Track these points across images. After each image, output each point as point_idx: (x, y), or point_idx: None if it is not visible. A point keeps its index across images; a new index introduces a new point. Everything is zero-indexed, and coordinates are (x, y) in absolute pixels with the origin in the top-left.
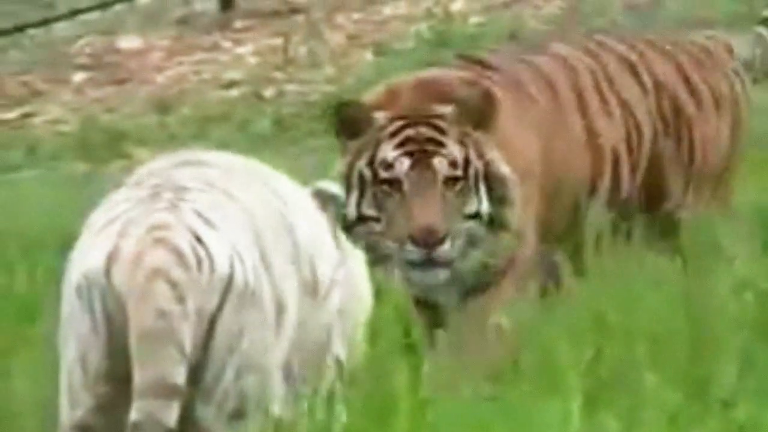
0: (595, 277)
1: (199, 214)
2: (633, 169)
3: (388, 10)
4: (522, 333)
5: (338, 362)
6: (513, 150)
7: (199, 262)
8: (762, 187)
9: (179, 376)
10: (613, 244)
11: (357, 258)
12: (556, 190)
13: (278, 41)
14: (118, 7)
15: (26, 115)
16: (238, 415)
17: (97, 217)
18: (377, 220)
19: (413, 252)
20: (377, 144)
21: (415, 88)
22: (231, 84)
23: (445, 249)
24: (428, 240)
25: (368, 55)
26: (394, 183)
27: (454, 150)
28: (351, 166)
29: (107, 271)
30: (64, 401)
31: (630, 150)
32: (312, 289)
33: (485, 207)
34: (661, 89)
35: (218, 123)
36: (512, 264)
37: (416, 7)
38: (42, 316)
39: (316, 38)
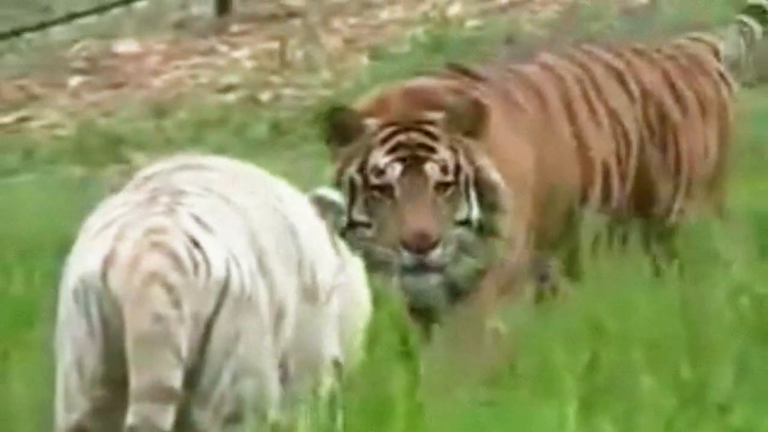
0: (592, 282)
1: (197, 219)
2: (622, 179)
3: (384, 15)
4: (519, 337)
5: (336, 364)
6: (505, 159)
7: (196, 266)
8: (758, 192)
9: (175, 379)
10: (609, 248)
11: (356, 265)
12: (549, 198)
13: (275, 45)
14: (114, 11)
15: (23, 119)
16: (235, 419)
17: (95, 221)
18: (368, 225)
19: (405, 257)
20: (368, 150)
21: (405, 95)
22: (228, 88)
23: (437, 254)
24: (420, 245)
25: (365, 60)
26: (386, 189)
27: (446, 156)
28: (341, 173)
29: (104, 275)
30: (60, 405)
31: (619, 160)
32: (312, 295)
33: (475, 213)
34: (648, 97)
35: (215, 127)
36: (500, 270)
37: (413, 12)
38: (39, 320)
39: (312, 42)
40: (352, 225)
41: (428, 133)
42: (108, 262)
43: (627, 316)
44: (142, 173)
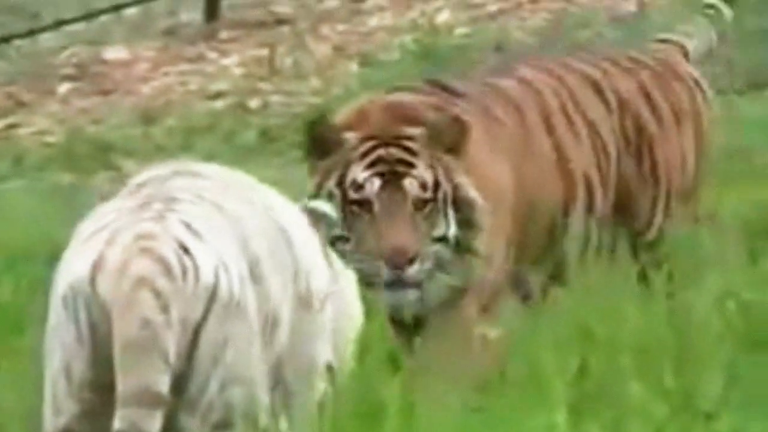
0: (580, 290)
1: (187, 225)
2: (605, 190)
3: (373, 22)
4: (508, 344)
5: (330, 369)
6: (484, 175)
7: (185, 271)
8: (745, 198)
9: (163, 385)
10: (597, 257)
11: (348, 277)
12: (530, 213)
13: (264, 52)
14: (103, 18)
15: (12, 126)
16: (224, 425)
17: (86, 227)
18: (346, 240)
19: (383, 272)
20: (347, 164)
21: (385, 109)
22: (217, 95)
23: (415, 269)
24: (398, 261)
25: (354, 67)
26: (364, 203)
27: (425, 172)
28: (320, 186)
29: (92, 280)
30: (47, 410)
31: (600, 171)
32: (306, 302)
33: (453, 231)
34: (625, 107)
35: (204, 134)
36: (479, 287)
37: (402, 19)
38: (27, 327)
39: (301, 49)
40: (330, 239)
41: (408, 149)
42: (97, 267)
43: (616, 323)
44: (136, 180)
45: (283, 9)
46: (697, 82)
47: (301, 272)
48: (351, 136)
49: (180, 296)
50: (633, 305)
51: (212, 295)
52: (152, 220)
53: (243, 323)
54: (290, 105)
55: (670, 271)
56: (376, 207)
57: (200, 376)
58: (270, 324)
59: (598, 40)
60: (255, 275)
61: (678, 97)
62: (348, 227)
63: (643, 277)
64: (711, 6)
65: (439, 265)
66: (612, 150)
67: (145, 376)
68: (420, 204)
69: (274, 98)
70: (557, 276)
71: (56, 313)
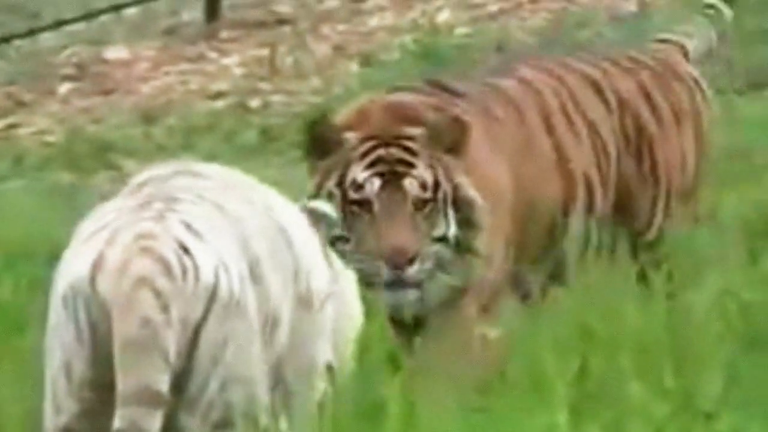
0: (580, 290)
1: (187, 225)
2: (605, 190)
3: (373, 22)
4: (509, 344)
5: (330, 369)
6: (484, 176)
7: (185, 271)
8: (746, 198)
9: (163, 384)
10: (597, 256)
11: (348, 277)
12: (530, 213)
13: (264, 52)
14: (104, 17)
15: (12, 126)
16: (224, 425)
17: (86, 227)
18: (346, 240)
19: (383, 272)
20: (347, 164)
21: (385, 109)
22: (217, 95)
23: (415, 270)
24: (398, 260)
25: (354, 66)
26: (364, 204)
27: (425, 172)
28: (320, 186)
29: (92, 279)
30: (48, 409)
31: (600, 171)
32: (307, 302)
33: (453, 231)
34: (625, 107)
35: (204, 134)
36: (479, 287)
37: (402, 19)
38: (26, 327)
39: (301, 49)
40: (330, 239)
41: (408, 149)
42: (97, 266)
43: (616, 323)
44: (137, 179)
45: (284, 9)
46: (696, 82)
47: (302, 272)
48: (351, 136)
49: (180, 296)
50: (633, 305)
51: (212, 295)
52: (152, 219)
53: (243, 323)
54: (291, 105)
55: (670, 271)
56: (376, 207)
57: (200, 376)
58: (270, 324)
59: (599, 40)
60: (255, 275)
61: (678, 97)
62: (348, 227)
63: (642, 277)
64: (711, 6)
65: (439, 265)
66: (612, 150)
67: (145, 375)
68: (420, 204)
69: (275, 98)
70: (557, 276)
71: (56, 313)
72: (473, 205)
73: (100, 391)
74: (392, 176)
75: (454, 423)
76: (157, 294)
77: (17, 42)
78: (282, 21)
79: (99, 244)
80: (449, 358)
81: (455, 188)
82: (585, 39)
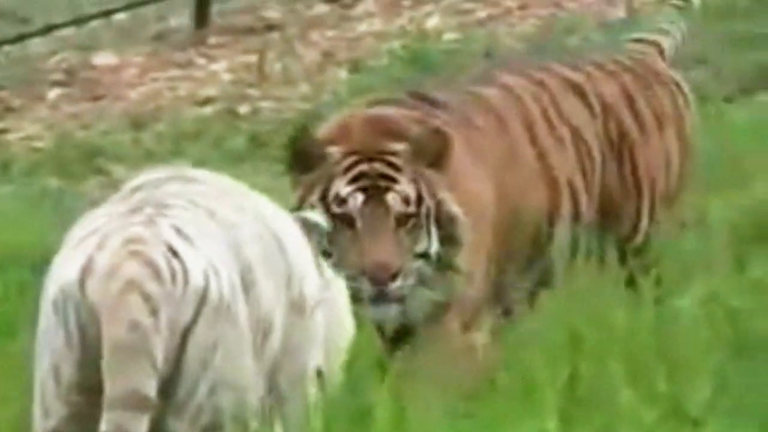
0: (569, 296)
1: (177, 229)
2: (590, 197)
3: (362, 28)
4: (497, 352)
5: (320, 374)
6: (466, 191)
7: (174, 275)
8: (734, 204)
9: (150, 388)
10: (585, 263)
11: (339, 286)
12: (514, 224)
13: (253, 58)
14: (93, 23)
15: (0, 131)
16: (213, 429)
17: (77, 231)
18: (329, 255)
19: (366, 287)
20: (330, 179)
21: (367, 123)
22: (206, 101)
23: (397, 285)
24: (381, 276)
25: (343, 73)
26: (347, 218)
27: (408, 187)
28: (303, 200)
29: (82, 283)
30: (36, 412)
31: (585, 177)
32: (299, 308)
33: (435, 247)
34: (608, 112)
35: (193, 140)
36: (460, 304)
37: (390, 25)
38: (16, 331)
39: (290, 55)
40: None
41: (391, 164)
42: (86, 270)
43: (605, 329)
44: (131, 183)
45: (273, 15)
46: (678, 85)
47: (294, 278)
48: (334, 151)
49: (169, 300)
50: (622, 311)
51: (202, 299)
52: (142, 224)
53: (233, 327)
54: (279, 111)
55: (658, 276)
56: (359, 222)
57: (189, 380)
58: (263, 329)
59: (587, 45)
60: (248, 281)
61: (660, 101)
62: (330, 241)
63: (631, 283)
64: None
65: (422, 280)
66: (596, 155)
67: (132, 379)
68: (403, 219)
69: (264, 104)
70: (545, 283)
71: (46, 317)
72: (456, 221)
73: (88, 394)
74: (375, 191)
75: (443, 429)
76: (146, 298)
77: (6, 47)
78: (271, 27)
79: (89, 248)
80: (435, 367)
81: (438, 204)
82: (574, 45)
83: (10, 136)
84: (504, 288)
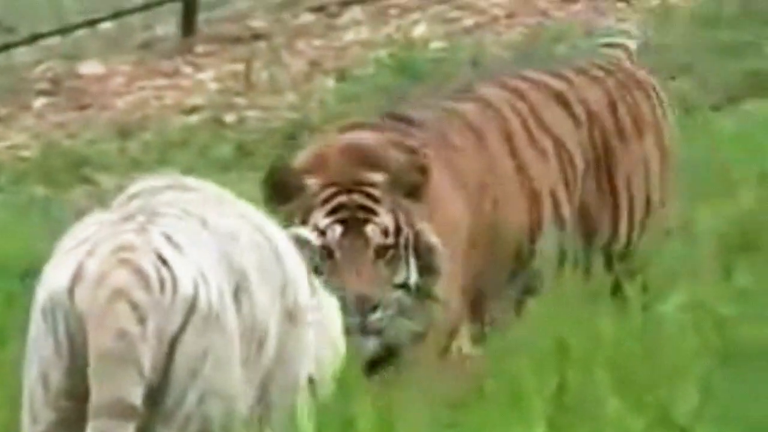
0: (555, 304)
1: (168, 237)
2: (572, 206)
3: (349, 36)
4: (486, 360)
5: (311, 382)
6: (443, 219)
7: (162, 283)
8: (721, 212)
9: (136, 397)
10: (572, 271)
11: (331, 304)
12: (495, 241)
13: (239, 67)
14: (79, 32)
15: None
16: None
17: (69, 239)
18: (320, 272)
19: (345, 319)
20: (308, 210)
21: (344, 153)
22: (192, 109)
23: (377, 317)
24: (361, 308)
25: (330, 81)
26: (326, 250)
27: (386, 218)
28: None
29: (70, 291)
30: (25, 418)
31: (568, 188)
32: (293, 316)
33: (414, 277)
34: (594, 119)
35: (180, 148)
36: (436, 332)
37: (377, 33)
38: (4, 341)
39: (277, 64)
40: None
41: (369, 195)
42: (76, 278)
43: (591, 337)
44: (129, 191)
45: (259, 24)
46: (655, 90)
47: (290, 286)
48: (312, 182)
49: (157, 308)
50: (609, 320)
51: (191, 307)
52: (133, 232)
53: (222, 336)
54: (266, 120)
55: (644, 284)
56: (338, 254)
57: (177, 389)
58: (258, 338)
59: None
60: (242, 288)
61: (639, 107)
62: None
63: (617, 291)
64: None
65: (401, 311)
66: (579, 162)
67: (118, 387)
68: (382, 251)
69: (250, 113)
70: (532, 291)
71: (36, 324)
72: (434, 252)
73: (76, 401)
74: (354, 223)
75: None
76: (134, 306)
77: None
78: (257, 36)
79: (80, 255)
80: (420, 376)
81: (416, 234)
82: (561, 54)
83: None
84: (487, 299)
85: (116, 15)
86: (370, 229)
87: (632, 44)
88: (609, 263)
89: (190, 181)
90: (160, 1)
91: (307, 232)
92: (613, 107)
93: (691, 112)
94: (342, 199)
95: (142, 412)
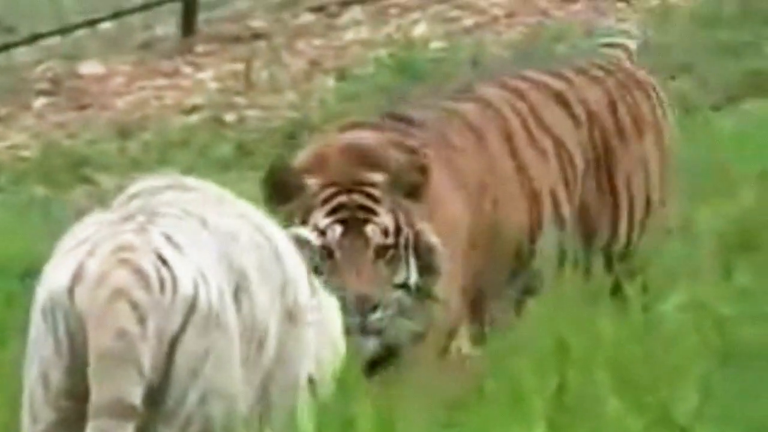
0: (555, 305)
1: (168, 237)
2: (572, 206)
3: (349, 36)
4: (486, 360)
5: (311, 381)
6: (443, 219)
7: (162, 283)
8: (721, 212)
9: (136, 397)
10: (572, 271)
11: (331, 304)
12: (495, 241)
13: (239, 67)
14: (79, 32)
15: None
16: None
17: (69, 239)
18: (320, 272)
19: (346, 319)
20: (309, 210)
21: (344, 153)
22: (192, 109)
23: (377, 317)
24: (361, 308)
25: (330, 81)
26: (326, 250)
27: (386, 218)
28: None
29: (71, 291)
30: (25, 418)
31: (568, 188)
32: (293, 316)
33: (414, 277)
34: (594, 119)
35: (180, 148)
36: (436, 332)
37: (377, 33)
38: (4, 342)
39: (277, 64)
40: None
41: (369, 195)
42: (76, 278)
43: (592, 337)
44: (129, 191)
45: (259, 23)
46: (655, 90)
47: (290, 286)
48: (312, 182)
49: (157, 308)
50: (609, 320)
51: (191, 307)
52: (133, 232)
53: (223, 335)
54: (266, 119)
55: (644, 284)
56: (338, 254)
57: (178, 389)
58: (258, 338)
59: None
60: (242, 288)
61: (639, 107)
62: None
63: (617, 291)
64: None
65: (401, 311)
66: (579, 162)
67: (118, 387)
68: (382, 251)
69: (250, 112)
70: (532, 291)
71: (36, 324)
72: (434, 252)
73: (76, 401)
74: (354, 223)
75: None
76: (134, 306)
77: None
78: (257, 36)
79: (80, 255)
80: (420, 376)
81: (416, 235)
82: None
83: None
84: (487, 299)
85: (116, 15)
86: (370, 229)
87: (632, 44)
88: (609, 263)
89: (190, 181)
90: (160, 1)
91: (307, 232)
92: (613, 107)
93: (691, 112)
94: (342, 199)
95: (143, 412)
